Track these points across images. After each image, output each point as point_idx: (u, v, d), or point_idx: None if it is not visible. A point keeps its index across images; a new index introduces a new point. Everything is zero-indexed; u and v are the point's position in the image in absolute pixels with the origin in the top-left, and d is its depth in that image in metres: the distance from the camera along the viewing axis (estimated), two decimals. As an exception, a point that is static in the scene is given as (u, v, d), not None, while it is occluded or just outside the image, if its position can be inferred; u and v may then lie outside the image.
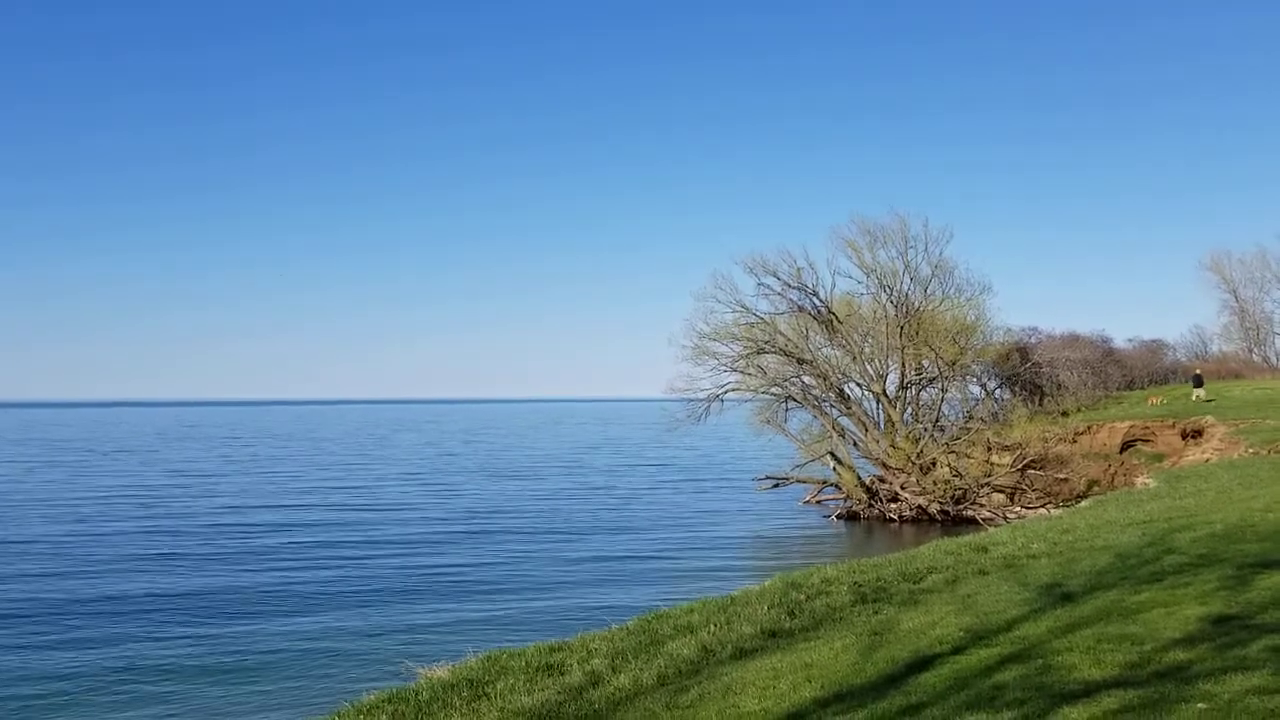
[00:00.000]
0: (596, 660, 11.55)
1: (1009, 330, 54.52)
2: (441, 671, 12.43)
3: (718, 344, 45.97)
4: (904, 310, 44.70)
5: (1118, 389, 63.04)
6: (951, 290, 45.69)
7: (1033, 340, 60.18)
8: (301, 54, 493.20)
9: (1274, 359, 77.19)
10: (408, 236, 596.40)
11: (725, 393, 46.37)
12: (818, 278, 45.55)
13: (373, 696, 10.96)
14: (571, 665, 11.48)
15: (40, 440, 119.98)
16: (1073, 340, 62.96)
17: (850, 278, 46.86)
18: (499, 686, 10.83)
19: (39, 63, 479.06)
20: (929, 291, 45.21)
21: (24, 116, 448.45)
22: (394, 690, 11.17)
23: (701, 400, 46.08)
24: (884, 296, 45.54)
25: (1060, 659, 9.09)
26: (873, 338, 46.24)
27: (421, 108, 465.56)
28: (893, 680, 9.28)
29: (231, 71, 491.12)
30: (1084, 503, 33.71)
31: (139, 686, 19.20)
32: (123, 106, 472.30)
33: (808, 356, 45.48)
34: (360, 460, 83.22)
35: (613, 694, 10.24)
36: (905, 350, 44.24)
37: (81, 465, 77.29)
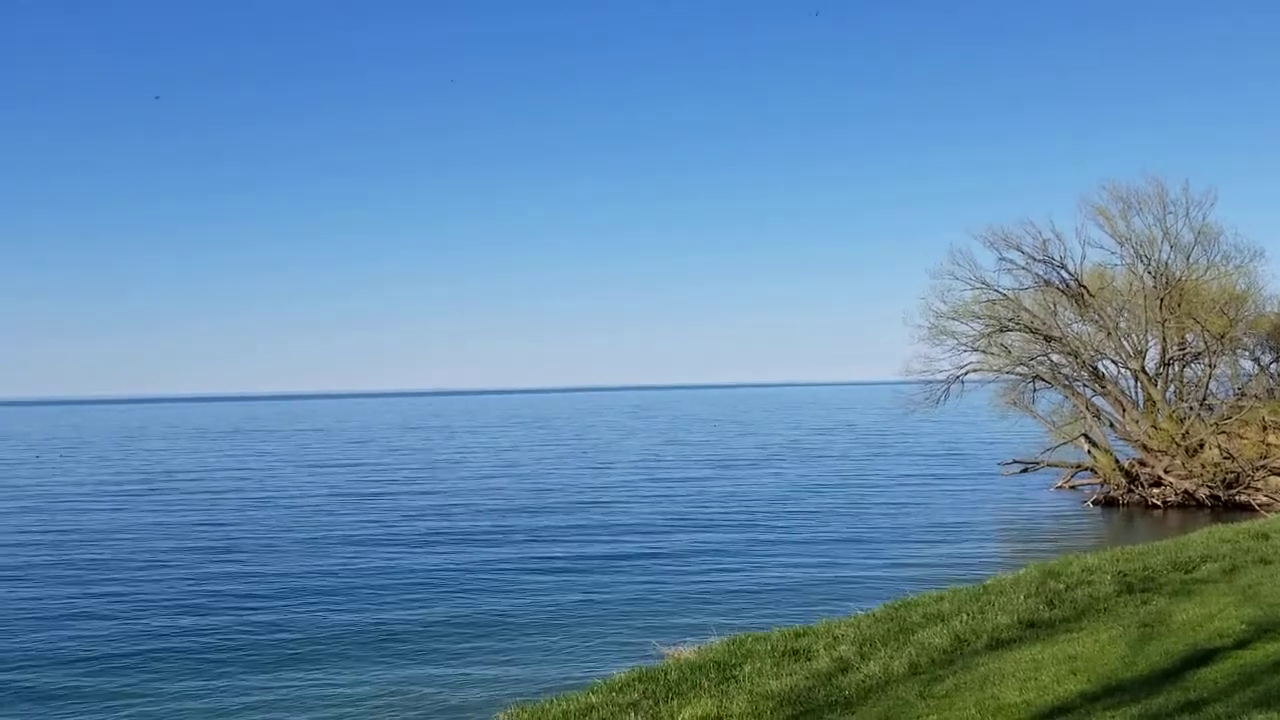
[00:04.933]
0: (844, 647, 11.44)
1: (1286, 298, 49.79)
2: (688, 653, 12.68)
3: (956, 323, 44.44)
4: (1163, 281, 41.74)
5: None
6: (1217, 258, 42.16)
7: (1314, 309, 54.76)
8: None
9: None
10: (639, 220, 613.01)
11: (966, 373, 44.80)
12: (1065, 249, 43.22)
13: (623, 675, 11.30)
14: (818, 651, 11.44)
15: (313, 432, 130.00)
16: (1362, 307, 56.83)
17: (1101, 248, 44.16)
18: (746, 670, 10.92)
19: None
20: (1191, 260, 41.95)
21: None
22: (643, 669, 11.48)
23: (940, 382, 44.71)
24: (1140, 267, 42.67)
25: (1365, 658, 8.30)
26: (1129, 311, 43.45)
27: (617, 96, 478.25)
28: (1168, 675, 8.73)
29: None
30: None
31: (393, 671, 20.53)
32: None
33: (1056, 333, 43.25)
34: (592, 447, 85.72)
35: (863, 681, 10.12)
36: (1166, 324, 41.35)
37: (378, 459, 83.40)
